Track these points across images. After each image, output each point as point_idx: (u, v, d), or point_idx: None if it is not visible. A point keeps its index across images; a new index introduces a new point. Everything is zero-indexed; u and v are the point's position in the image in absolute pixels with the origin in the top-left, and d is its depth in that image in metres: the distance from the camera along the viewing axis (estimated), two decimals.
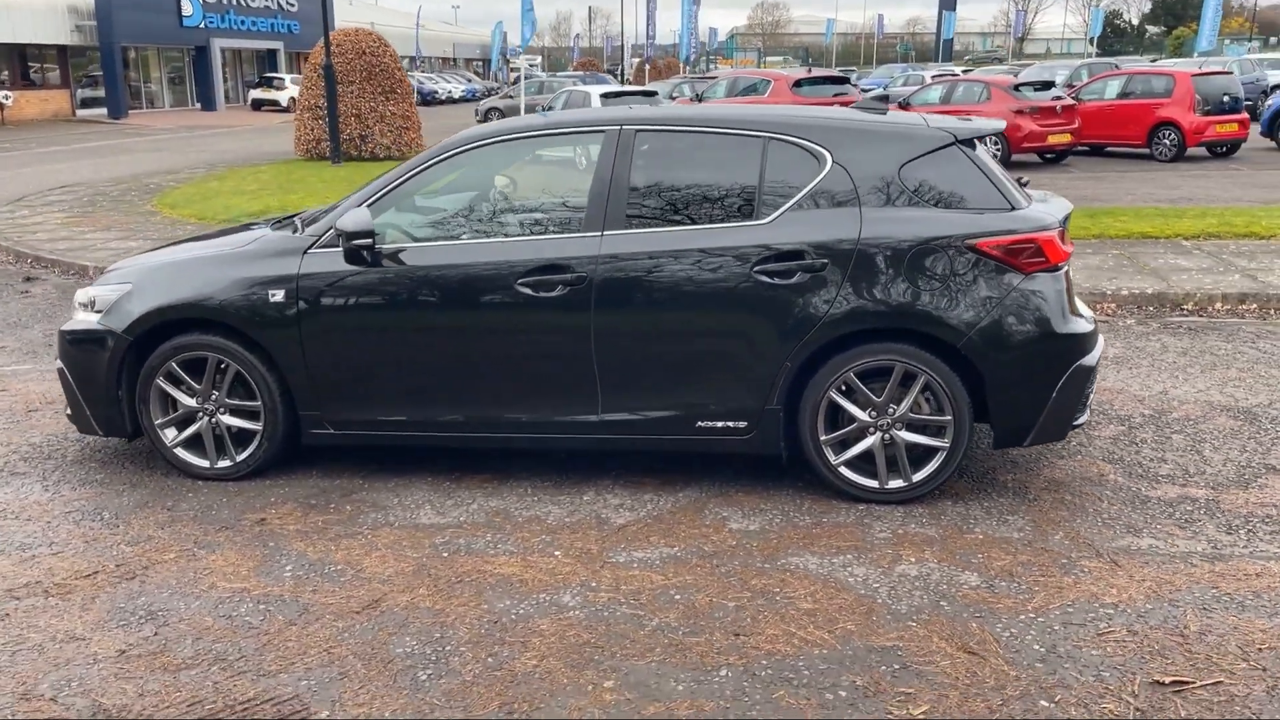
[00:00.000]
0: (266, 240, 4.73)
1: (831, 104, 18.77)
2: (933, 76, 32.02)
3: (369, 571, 3.89)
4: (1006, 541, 4.05)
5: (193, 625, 3.52)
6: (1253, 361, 6.46)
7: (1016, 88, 18.21)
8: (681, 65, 51.50)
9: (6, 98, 36.62)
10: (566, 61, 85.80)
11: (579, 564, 3.93)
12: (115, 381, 4.72)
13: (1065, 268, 4.33)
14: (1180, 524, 4.18)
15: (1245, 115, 18.30)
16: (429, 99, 48.25)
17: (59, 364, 4.88)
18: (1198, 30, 44.23)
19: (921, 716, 2.98)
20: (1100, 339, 4.47)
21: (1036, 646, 3.32)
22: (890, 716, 2.98)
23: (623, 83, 42.90)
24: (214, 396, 4.70)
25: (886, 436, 4.33)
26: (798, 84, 20.41)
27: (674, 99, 24.64)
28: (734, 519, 4.29)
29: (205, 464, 4.76)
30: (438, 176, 4.66)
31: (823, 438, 4.37)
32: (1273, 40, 61.38)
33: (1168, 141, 17.82)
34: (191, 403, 4.72)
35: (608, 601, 3.64)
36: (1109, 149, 19.03)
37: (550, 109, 21.97)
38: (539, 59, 69.64)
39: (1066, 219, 4.48)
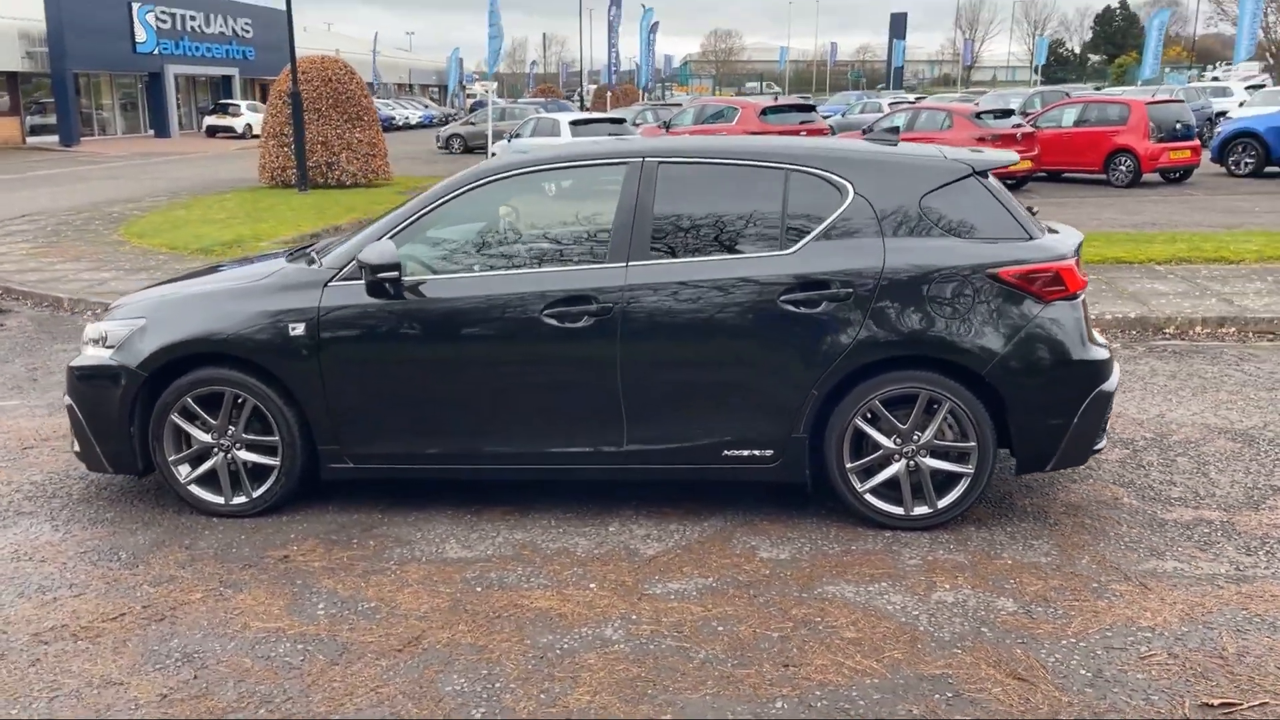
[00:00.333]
0: (285, 273, 4.68)
1: (798, 132, 19.03)
2: (890, 104, 32.66)
3: (404, 608, 3.84)
4: (1035, 566, 4.11)
5: (232, 667, 3.45)
6: (1240, 384, 6.62)
7: (978, 115, 18.61)
8: (640, 92, 51.90)
9: None
10: (522, 88, 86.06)
11: (616, 596, 3.91)
12: (127, 418, 4.63)
13: (1082, 296, 4.42)
14: (1200, 546, 4.26)
15: (1197, 142, 18.85)
16: (387, 125, 47.92)
17: (67, 400, 4.77)
18: (1140, 59, 45.52)
19: None
20: (1117, 365, 4.56)
21: (1083, 671, 3.36)
22: None
23: (582, 109, 43.02)
24: (230, 432, 4.63)
25: (911, 463, 4.38)
26: (765, 112, 20.63)
27: (637, 125, 24.82)
28: (763, 548, 4.30)
29: (220, 500, 4.68)
30: (460, 209, 4.65)
31: (848, 465, 4.40)
32: (1209, 68, 63.26)
33: (1124, 168, 18.26)
34: (207, 438, 4.64)
35: (651, 634, 3.63)
36: (1066, 175, 19.45)
37: (518, 135, 22.00)
38: (494, 85, 69.76)
39: (1079, 248, 4.58)
